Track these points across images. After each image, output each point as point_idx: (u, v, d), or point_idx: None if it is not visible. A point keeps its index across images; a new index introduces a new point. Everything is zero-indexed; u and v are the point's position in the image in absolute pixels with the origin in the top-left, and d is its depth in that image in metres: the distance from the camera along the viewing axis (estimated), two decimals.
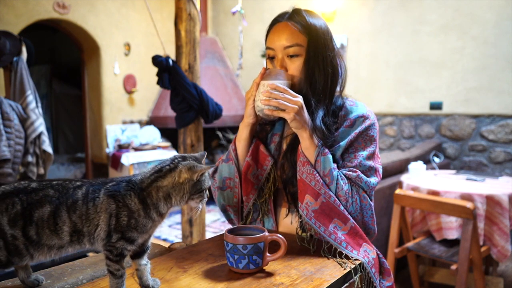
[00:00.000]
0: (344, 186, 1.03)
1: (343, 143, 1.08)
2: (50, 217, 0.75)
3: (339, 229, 1.00)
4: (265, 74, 1.07)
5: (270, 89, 1.01)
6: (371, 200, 1.08)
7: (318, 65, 1.08)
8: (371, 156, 1.10)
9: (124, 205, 0.76)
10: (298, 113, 1.00)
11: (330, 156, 1.03)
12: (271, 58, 1.13)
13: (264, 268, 0.93)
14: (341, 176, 1.04)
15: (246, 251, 0.89)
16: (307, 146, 1.04)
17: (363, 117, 1.11)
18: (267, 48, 1.13)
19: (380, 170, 1.12)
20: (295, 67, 1.09)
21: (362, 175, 1.06)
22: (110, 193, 0.77)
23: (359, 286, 0.96)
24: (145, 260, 0.82)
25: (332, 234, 0.99)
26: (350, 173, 1.05)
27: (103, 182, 0.80)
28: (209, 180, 0.84)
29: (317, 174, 1.02)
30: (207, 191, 0.84)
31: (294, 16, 1.10)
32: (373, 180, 1.08)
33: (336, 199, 1.02)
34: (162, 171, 0.79)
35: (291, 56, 1.09)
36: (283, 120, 1.20)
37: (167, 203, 0.79)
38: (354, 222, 1.02)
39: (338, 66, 1.14)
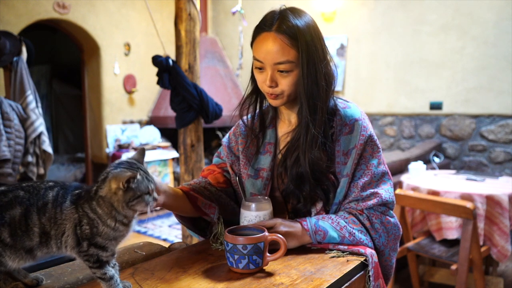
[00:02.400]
0: (364, 236, 1.04)
1: (349, 164, 1.08)
2: (22, 218, 0.75)
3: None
4: (246, 201, 1.06)
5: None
6: (392, 212, 1.10)
7: (312, 80, 1.05)
8: (381, 162, 1.11)
9: (83, 214, 0.77)
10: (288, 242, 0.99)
11: (331, 233, 1.02)
12: (259, 69, 1.08)
13: (264, 268, 0.93)
14: (354, 230, 1.04)
15: (246, 251, 0.88)
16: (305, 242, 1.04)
17: (360, 120, 1.10)
18: (255, 58, 1.08)
19: (389, 171, 1.14)
20: (286, 82, 1.05)
21: (383, 194, 1.07)
22: (73, 201, 0.78)
23: (360, 285, 0.96)
24: (111, 264, 0.82)
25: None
26: (376, 200, 1.06)
27: (71, 187, 0.80)
28: (147, 183, 0.81)
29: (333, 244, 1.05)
30: (150, 195, 0.81)
31: (281, 25, 1.02)
32: (389, 187, 1.10)
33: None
34: (99, 181, 0.79)
35: (281, 71, 1.05)
36: (275, 129, 1.19)
37: (117, 212, 0.78)
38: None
39: (331, 73, 1.10)
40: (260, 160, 1.17)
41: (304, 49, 1.03)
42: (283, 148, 1.14)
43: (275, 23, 1.04)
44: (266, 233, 0.91)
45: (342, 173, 1.08)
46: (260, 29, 1.06)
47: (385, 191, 1.08)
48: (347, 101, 1.16)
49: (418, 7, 4.25)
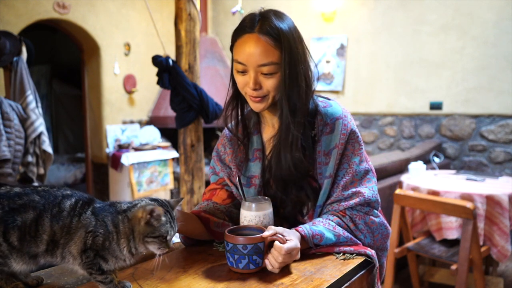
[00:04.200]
0: (347, 235, 1.03)
1: (331, 164, 1.06)
2: (32, 224, 0.75)
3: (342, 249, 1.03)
4: (246, 201, 1.04)
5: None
6: (377, 212, 1.08)
7: (293, 82, 1.04)
8: (363, 159, 1.09)
9: (103, 224, 0.78)
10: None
11: (327, 235, 1.01)
12: (241, 72, 1.05)
13: (263, 267, 0.93)
14: (343, 232, 1.03)
15: (246, 251, 0.88)
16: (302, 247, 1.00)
17: (341, 119, 1.08)
18: (236, 61, 1.04)
19: (373, 168, 1.12)
20: (269, 84, 1.03)
21: (366, 193, 1.05)
22: (95, 212, 0.79)
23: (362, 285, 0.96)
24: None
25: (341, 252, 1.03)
26: (358, 200, 1.04)
27: (91, 200, 0.81)
28: (169, 229, 0.81)
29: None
30: (166, 241, 0.81)
31: (264, 26, 1.00)
32: (373, 185, 1.08)
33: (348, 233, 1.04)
34: (132, 203, 0.82)
35: (265, 73, 1.02)
36: (260, 135, 1.17)
37: (133, 238, 0.79)
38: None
39: (311, 75, 1.08)
40: (251, 167, 1.15)
41: (287, 50, 1.01)
42: (269, 154, 1.12)
43: (257, 24, 1.02)
44: (267, 233, 0.91)
45: (325, 174, 1.07)
46: (241, 31, 1.04)
47: (369, 189, 1.07)
48: (329, 99, 1.14)
49: (418, 7, 4.25)
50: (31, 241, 0.75)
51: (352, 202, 1.05)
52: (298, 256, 0.94)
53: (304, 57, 1.06)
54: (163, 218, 0.80)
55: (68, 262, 0.78)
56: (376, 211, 1.08)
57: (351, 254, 1.00)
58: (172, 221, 0.83)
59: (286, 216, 1.12)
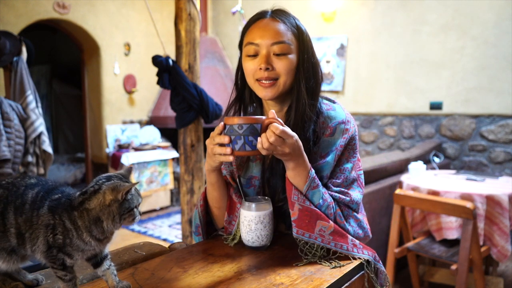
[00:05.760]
0: (331, 207, 1.01)
1: (330, 159, 1.04)
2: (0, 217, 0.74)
3: (325, 230, 0.97)
4: (246, 201, 1.04)
5: None
6: (359, 211, 1.07)
7: (309, 65, 1.06)
8: (354, 167, 1.09)
9: (60, 222, 0.75)
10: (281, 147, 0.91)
11: (320, 188, 0.99)
12: (252, 56, 1.04)
13: (263, 267, 0.92)
14: (330, 201, 1.00)
15: (242, 130, 0.89)
16: (294, 175, 0.97)
17: (343, 123, 1.07)
18: (249, 43, 1.04)
19: (362, 177, 1.11)
20: (281, 65, 1.02)
21: (353, 196, 1.04)
22: (51, 207, 0.75)
23: (364, 285, 0.96)
24: (105, 266, 0.81)
25: (318, 237, 0.97)
26: (344, 197, 1.03)
27: (53, 191, 0.78)
28: (138, 198, 0.80)
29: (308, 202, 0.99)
30: (138, 209, 0.80)
31: (277, 14, 1.05)
32: (358, 193, 1.07)
33: (315, 206, 0.99)
34: (87, 193, 0.76)
35: (277, 54, 1.02)
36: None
37: (97, 227, 0.75)
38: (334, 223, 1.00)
39: (320, 72, 1.10)
40: (251, 168, 1.13)
41: (301, 37, 1.05)
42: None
43: (270, 13, 1.07)
44: (264, 117, 0.92)
45: (322, 174, 1.05)
46: (255, 18, 1.07)
47: (355, 195, 1.06)
48: (334, 102, 1.13)
49: (418, 7, 4.25)
50: (3, 236, 0.74)
51: (337, 195, 1.03)
52: (289, 150, 0.91)
53: (314, 51, 1.10)
54: (132, 190, 0.78)
55: (37, 256, 0.77)
56: (357, 214, 1.06)
57: (340, 262, 0.95)
58: (137, 189, 0.81)
59: (279, 209, 1.11)
